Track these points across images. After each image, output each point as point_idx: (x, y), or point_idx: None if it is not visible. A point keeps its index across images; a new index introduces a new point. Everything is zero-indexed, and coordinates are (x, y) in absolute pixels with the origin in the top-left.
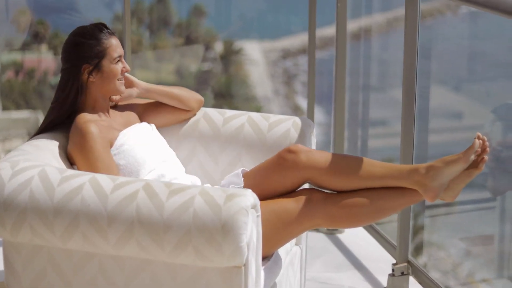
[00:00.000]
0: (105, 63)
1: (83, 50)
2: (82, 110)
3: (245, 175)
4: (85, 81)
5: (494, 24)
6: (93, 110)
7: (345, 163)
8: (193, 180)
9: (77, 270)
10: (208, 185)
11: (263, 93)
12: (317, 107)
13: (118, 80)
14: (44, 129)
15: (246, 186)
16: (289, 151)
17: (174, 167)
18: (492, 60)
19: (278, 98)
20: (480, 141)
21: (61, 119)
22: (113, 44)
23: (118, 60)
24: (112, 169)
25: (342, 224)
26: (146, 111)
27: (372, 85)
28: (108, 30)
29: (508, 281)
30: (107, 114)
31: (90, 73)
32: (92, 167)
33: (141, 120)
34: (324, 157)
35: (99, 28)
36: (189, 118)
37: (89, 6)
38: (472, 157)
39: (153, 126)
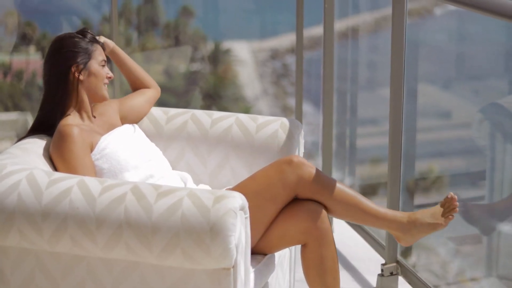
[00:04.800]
0: (93, 63)
1: (73, 51)
2: (67, 113)
3: (237, 187)
4: (74, 82)
5: (482, 22)
6: (78, 114)
7: (342, 193)
8: (182, 175)
9: (65, 273)
10: (202, 185)
11: (252, 94)
12: (309, 107)
13: (103, 84)
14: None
15: None
16: (290, 163)
17: (160, 165)
18: (480, 58)
19: (267, 98)
20: (456, 203)
21: (53, 123)
22: (98, 48)
23: (103, 65)
24: (90, 173)
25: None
26: (123, 103)
27: (361, 84)
28: (92, 35)
29: (497, 279)
30: (90, 118)
31: (80, 71)
32: (70, 170)
33: (120, 115)
34: (325, 180)
35: (83, 33)
36: (156, 99)
37: (76, 7)
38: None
39: (136, 127)
